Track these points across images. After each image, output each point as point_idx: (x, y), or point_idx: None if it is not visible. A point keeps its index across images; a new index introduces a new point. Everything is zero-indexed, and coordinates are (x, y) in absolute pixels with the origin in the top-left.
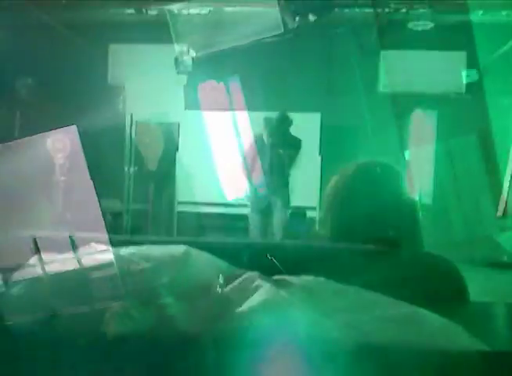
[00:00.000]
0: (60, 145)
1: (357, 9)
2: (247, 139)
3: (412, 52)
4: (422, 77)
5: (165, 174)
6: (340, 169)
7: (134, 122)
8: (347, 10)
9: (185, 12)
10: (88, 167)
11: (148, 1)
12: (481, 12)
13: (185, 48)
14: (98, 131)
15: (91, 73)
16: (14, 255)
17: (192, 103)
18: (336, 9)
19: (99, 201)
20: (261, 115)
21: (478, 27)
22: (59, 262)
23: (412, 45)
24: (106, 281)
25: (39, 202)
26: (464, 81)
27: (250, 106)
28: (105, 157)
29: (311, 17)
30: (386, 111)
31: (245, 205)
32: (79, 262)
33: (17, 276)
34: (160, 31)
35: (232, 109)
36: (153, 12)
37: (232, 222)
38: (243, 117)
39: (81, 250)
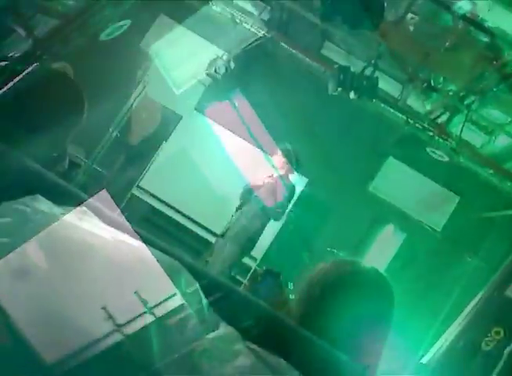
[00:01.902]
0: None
1: (391, 109)
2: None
3: (416, 172)
4: (411, 198)
5: (141, 154)
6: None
7: (143, 92)
8: (383, 105)
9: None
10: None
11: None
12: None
13: (226, 56)
14: (110, 83)
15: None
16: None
17: (203, 108)
18: (374, 100)
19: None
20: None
21: (482, 185)
22: (133, 322)
23: (420, 167)
24: (183, 324)
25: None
26: (444, 222)
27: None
28: (98, 106)
29: (352, 95)
30: (365, 209)
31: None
32: (153, 314)
33: (99, 347)
34: (209, 27)
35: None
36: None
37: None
38: (247, 149)
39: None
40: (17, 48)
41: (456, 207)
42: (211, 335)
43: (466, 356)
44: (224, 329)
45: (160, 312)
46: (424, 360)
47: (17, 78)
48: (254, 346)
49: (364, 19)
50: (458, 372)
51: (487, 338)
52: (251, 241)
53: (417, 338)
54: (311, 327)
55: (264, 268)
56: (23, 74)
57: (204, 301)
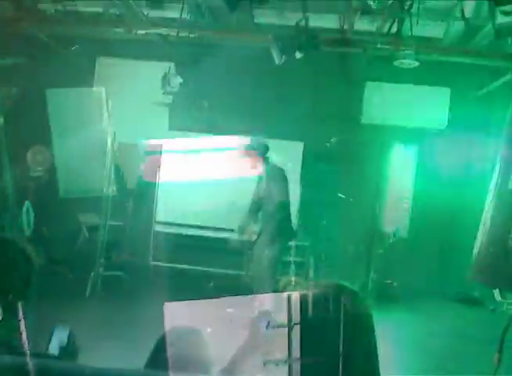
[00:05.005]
0: None
1: (343, 48)
2: (232, 165)
3: (396, 85)
4: (405, 111)
5: (144, 193)
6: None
7: (116, 141)
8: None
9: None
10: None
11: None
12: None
13: (172, 69)
14: (81, 144)
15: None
16: None
17: (176, 126)
18: (322, 47)
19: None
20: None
21: (462, 67)
22: None
23: (397, 80)
24: None
25: None
26: (446, 118)
27: (236, 132)
28: (87, 171)
29: (298, 54)
30: (367, 142)
31: (223, 229)
32: None
33: None
34: (149, 49)
35: (215, 133)
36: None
37: (209, 243)
38: (226, 142)
39: None
40: None
41: (451, 98)
42: None
43: (500, 258)
44: None
45: None
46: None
47: None
48: None
49: None
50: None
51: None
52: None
53: None
54: None
55: None
56: None
57: None
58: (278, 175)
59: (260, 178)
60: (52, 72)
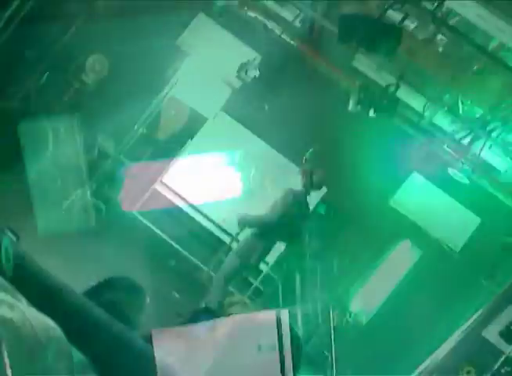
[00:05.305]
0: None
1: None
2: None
3: (438, 190)
4: (432, 216)
5: (167, 151)
6: None
7: (172, 90)
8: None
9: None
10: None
11: None
12: None
13: (256, 61)
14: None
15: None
16: None
17: (230, 109)
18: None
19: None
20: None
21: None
22: None
23: (443, 185)
24: None
25: None
26: (462, 243)
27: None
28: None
29: (372, 113)
30: (384, 222)
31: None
32: None
33: None
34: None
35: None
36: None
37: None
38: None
39: None
40: None
41: (476, 229)
42: None
43: None
44: None
45: None
46: None
47: None
48: None
49: (380, 44)
50: None
51: None
52: (255, 257)
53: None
54: None
55: (203, 305)
56: None
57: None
58: None
59: None
60: None
